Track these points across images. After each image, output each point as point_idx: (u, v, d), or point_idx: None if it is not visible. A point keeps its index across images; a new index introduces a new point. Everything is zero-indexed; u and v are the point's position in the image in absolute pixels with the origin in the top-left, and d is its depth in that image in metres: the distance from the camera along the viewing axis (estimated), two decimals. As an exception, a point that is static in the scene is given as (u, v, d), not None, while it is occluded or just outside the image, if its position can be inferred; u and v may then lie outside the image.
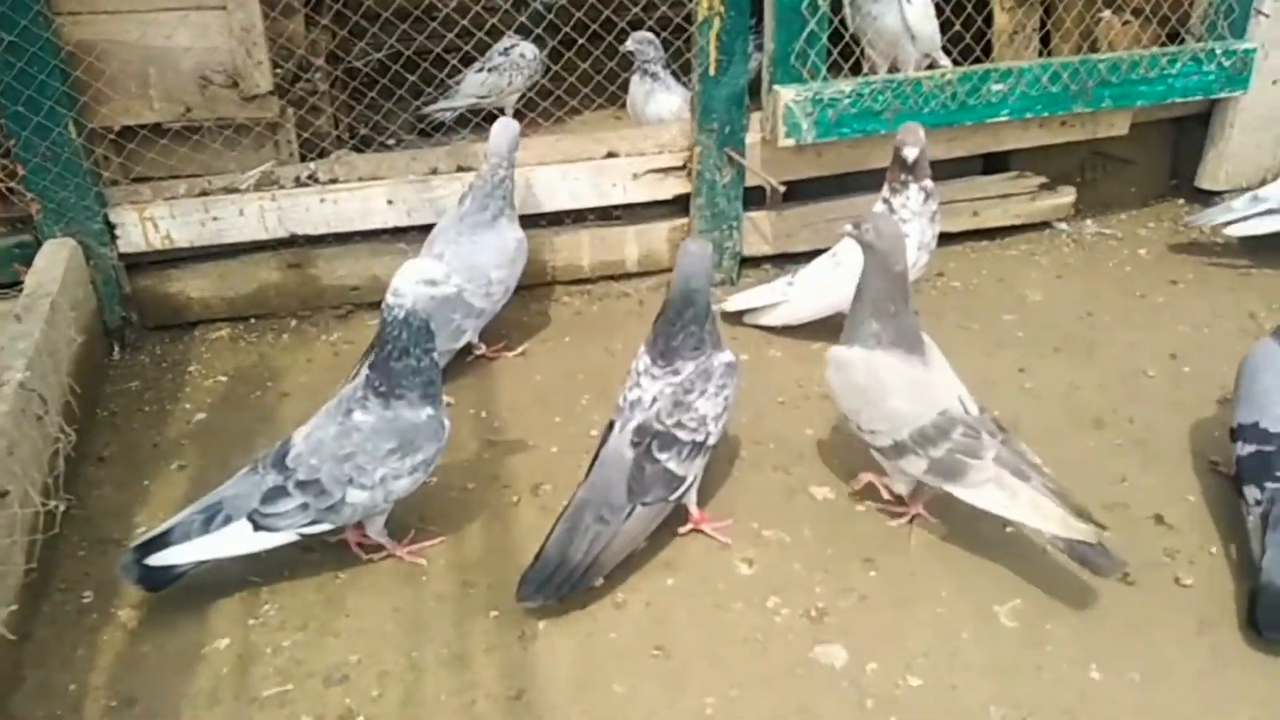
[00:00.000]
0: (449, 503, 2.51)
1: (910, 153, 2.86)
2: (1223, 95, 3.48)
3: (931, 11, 3.44)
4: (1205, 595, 2.20)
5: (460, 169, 3.20)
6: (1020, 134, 3.46)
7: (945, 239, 3.58)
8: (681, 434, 2.25)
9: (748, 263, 3.54)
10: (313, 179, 3.17)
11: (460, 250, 2.87)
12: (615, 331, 3.21)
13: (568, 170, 3.23)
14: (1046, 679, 2.01)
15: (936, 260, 3.59)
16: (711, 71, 3.12)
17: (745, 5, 3.06)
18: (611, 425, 2.33)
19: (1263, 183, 3.70)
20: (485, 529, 2.43)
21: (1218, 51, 3.35)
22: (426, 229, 3.24)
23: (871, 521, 2.42)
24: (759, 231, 3.49)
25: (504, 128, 2.92)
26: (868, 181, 3.56)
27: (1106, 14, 3.79)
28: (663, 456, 2.23)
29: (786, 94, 3.07)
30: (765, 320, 3.24)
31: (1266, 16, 3.41)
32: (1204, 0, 3.38)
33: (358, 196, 3.14)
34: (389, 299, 2.07)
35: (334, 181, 3.16)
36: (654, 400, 2.27)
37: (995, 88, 3.21)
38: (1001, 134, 3.45)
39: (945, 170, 3.61)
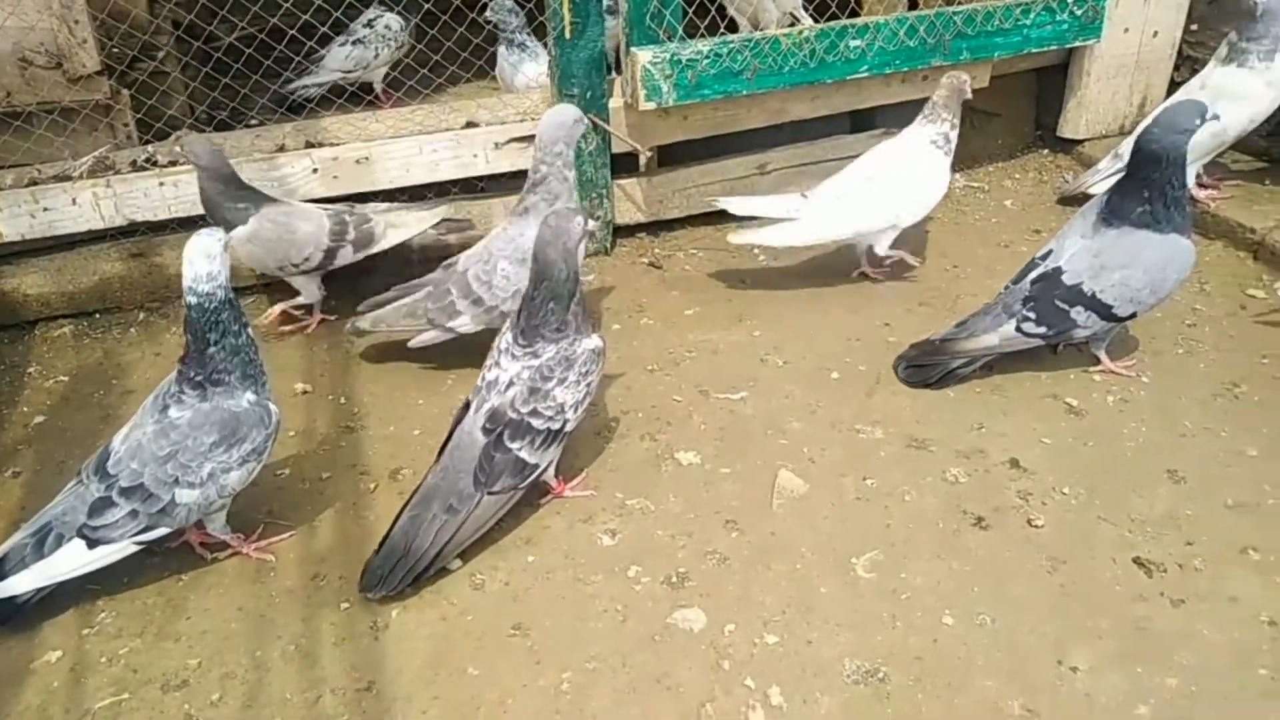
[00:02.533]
0: (301, 494, 2.41)
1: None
2: (1077, 44, 3.53)
3: (790, -33, 3.41)
4: (1056, 535, 2.24)
5: (310, 145, 3.07)
6: (883, 90, 3.46)
7: (818, 198, 3.61)
8: (536, 422, 2.18)
9: (622, 232, 3.49)
10: (151, 162, 3.01)
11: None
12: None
13: (425, 142, 3.12)
14: (900, 628, 2.02)
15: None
16: (567, 35, 3.04)
17: (596, -34, 2.99)
18: (468, 405, 2.26)
19: (1122, 130, 3.79)
20: (339, 519, 2.34)
21: (1070, 1, 3.39)
22: (277, 209, 3.12)
23: (736, 483, 2.41)
24: (631, 199, 3.44)
25: (550, 115, 2.66)
26: (739, 144, 3.54)
27: (969, -33, 3.82)
28: (514, 445, 2.17)
29: (644, 56, 3.01)
30: (766, 239, 3.04)
31: (1114, -36, 3.47)
32: (1053, -51, 3.41)
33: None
34: (186, 279, 1.95)
35: (174, 164, 3.00)
36: (511, 383, 2.20)
37: (853, 44, 3.20)
38: (865, 91, 3.45)
39: (812, 130, 3.61)
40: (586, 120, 2.78)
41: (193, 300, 1.95)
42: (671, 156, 3.53)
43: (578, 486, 2.38)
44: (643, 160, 3.43)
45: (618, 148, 3.28)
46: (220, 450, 2.00)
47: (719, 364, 2.84)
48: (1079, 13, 3.41)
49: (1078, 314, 2.60)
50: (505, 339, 2.26)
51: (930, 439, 2.52)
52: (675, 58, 3.02)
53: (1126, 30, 3.62)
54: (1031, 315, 2.61)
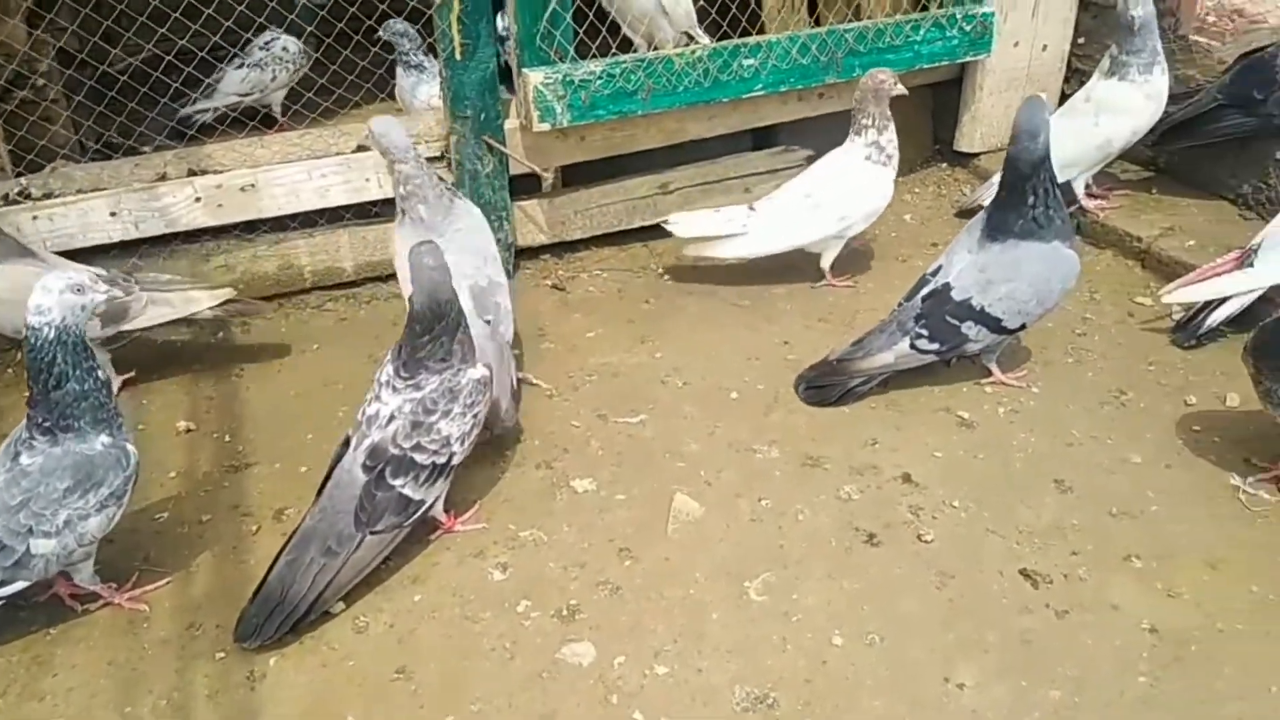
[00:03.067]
0: (179, 539, 2.32)
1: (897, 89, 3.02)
2: (968, 59, 3.60)
3: (684, -12, 3.42)
4: (945, 549, 2.25)
5: (192, 173, 2.97)
6: (780, 108, 3.49)
7: (723, 215, 3.61)
8: (420, 457, 2.12)
9: (525, 254, 3.45)
10: (25, 195, 2.88)
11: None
12: (383, 336, 3.05)
13: (313, 167, 3.05)
14: (790, 651, 2.01)
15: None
16: (458, 56, 3.00)
17: (485, -14, 2.96)
18: (348, 441, 2.20)
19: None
20: (219, 564, 2.26)
21: (958, 16, 3.45)
22: (159, 241, 3.02)
23: (631, 509, 2.38)
24: (533, 221, 3.40)
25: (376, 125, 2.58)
26: (642, 163, 3.54)
27: (866, -17, 3.88)
28: (397, 482, 2.10)
29: (535, 77, 2.98)
30: (716, 252, 3.15)
31: (1001, -20, 3.55)
32: (941, -33, 3.49)
33: (75, 210, 2.87)
34: (30, 318, 1.85)
35: (49, 196, 2.88)
36: (392, 417, 2.14)
37: (747, 62, 3.21)
38: (762, 109, 3.47)
39: (715, 148, 3.62)
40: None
41: (27, 336, 1.86)
42: (573, 177, 3.51)
43: (469, 520, 2.33)
44: (546, 181, 3.41)
45: (516, 169, 3.24)
46: (75, 496, 1.90)
47: (619, 387, 2.81)
48: (968, 29, 3.48)
49: (969, 329, 2.64)
50: (386, 371, 2.20)
51: (825, 456, 2.53)
52: (568, 79, 3.00)
53: (1016, 44, 3.71)
54: (924, 332, 2.64)
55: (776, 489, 2.43)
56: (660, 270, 3.41)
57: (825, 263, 3.22)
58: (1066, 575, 2.17)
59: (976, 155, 3.89)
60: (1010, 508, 2.35)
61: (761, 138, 3.74)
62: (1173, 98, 3.34)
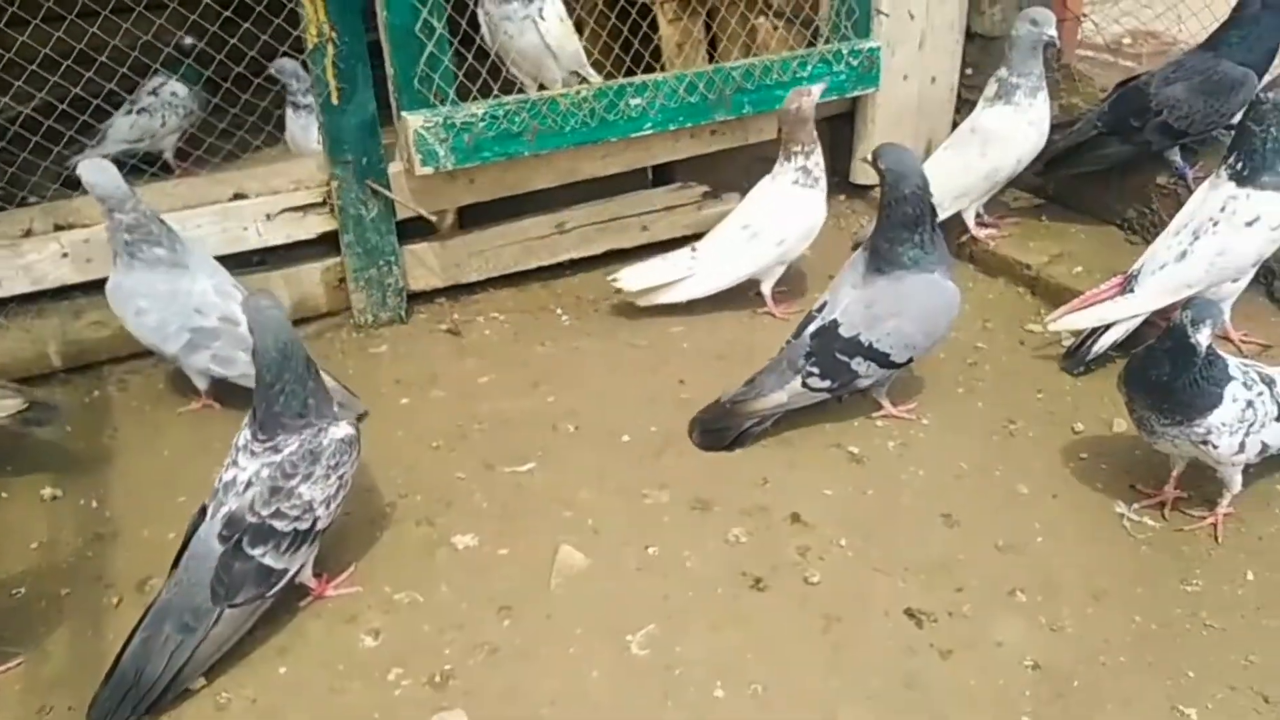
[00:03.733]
0: (35, 615, 2.19)
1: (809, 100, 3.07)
2: (857, 93, 3.63)
3: (570, 29, 3.39)
4: (831, 591, 2.22)
5: (59, 227, 2.86)
6: (673, 146, 3.47)
7: (622, 254, 3.59)
8: (280, 524, 2.03)
9: (420, 299, 3.37)
10: (-121, 253, 2.74)
11: None
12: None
13: (187, 217, 2.94)
14: (671, 706, 1.96)
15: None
16: (335, 100, 2.94)
17: (359, 28, 2.89)
18: (204, 510, 2.10)
19: (912, 172, 3.90)
20: (75, 640, 2.13)
21: (845, 52, 3.48)
22: (27, 299, 2.89)
23: (514, 565, 2.31)
24: (424, 265, 3.33)
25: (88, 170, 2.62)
26: (539, 203, 3.49)
27: (761, 20, 3.90)
28: (256, 552, 2.01)
29: (414, 120, 2.93)
30: (668, 298, 3.20)
31: (886, 15, 3.58)
32: (827, 2, 3.51)
33: (-71, 272, 2.74)
34: None
35: (-94, 253, 2.74)
36: (250, 483, 2.05)
37: (634, 102, 3.20)
38: (655, 147, 3.44)
39: (612, 186, 3.59)
40: None
41: None
42: (469, 218, 3.45)
43: (342, 583, 2.24)
44: (446, 223, 3.35)
45: (404, 213, 3.18)
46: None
47: (509, 435, 2.74)
48: (855, 63, 3.51)
49: (858, 364, 2.63)
50: (244, 435, 2.11)
51: (715, 499, 2.49)
52: (449, 121, 2.95)
53: (906, 78, 3.75)
54: (815, 370, 2.63)
55: (665, 535, 2.38)
56: (559, 311, 3.37)
57: (766, 289, 3.26)
58: (951, 613, 2.16)
59: (872, 187, 3.91)
60: (897, 545, 2.34)
61: (663, 176, 3.73)
62: (1057, 126, 3.41)
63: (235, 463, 2.08)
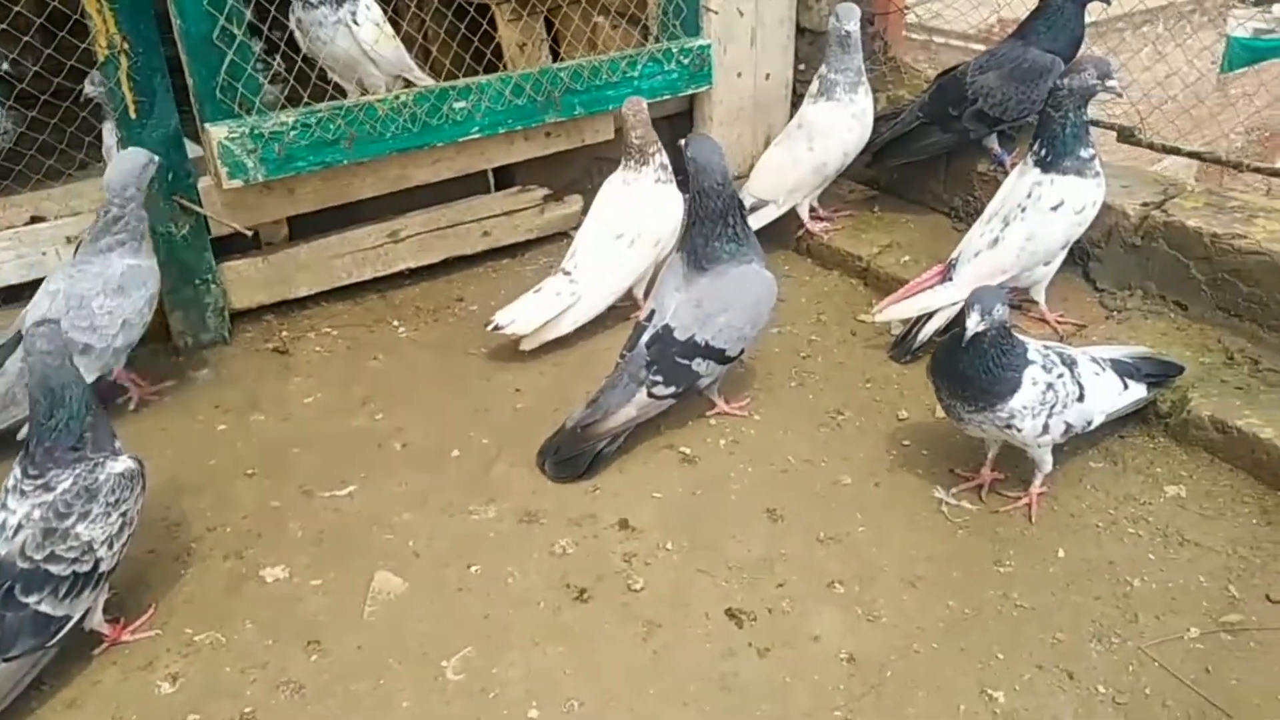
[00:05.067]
0: None
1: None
2: (690, 91, 3.63)
3: (389, 33, 3.28)
4: (654, 596, 2.19)
5: None
6: (507, 149, 3.41)
7: (464, 261, 3.51)
8: (56, 568, 1.90)
9: (244, 316, 3.22)
10: None
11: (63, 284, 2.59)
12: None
13: (-23, 244, 2.75)
14: (483, 733, 1.90)
15: (458, 284, 3.49)
16: (132, 114, 2.78)
17: (154, 38, 2.73)
18: (-22, 557, 1.94)
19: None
20: None
21: (675, 51, 3.48)
22: None
23: (326, 596, 2.21)
24: (248, 281, 3.17)
25: (119, 161, 2.61)
26: (371, 211, 3.38)
27: (600, 19, 3.86)
28: (30, 599, 1.87)
29: (218, 132, 2.79)
30: (556, 332, 3.02)
31: (716, 13, 3.58)
32: (654, 1, 3.50)
33: None
34: None
35: None
36: (20, 526, 1.90)
37: (458, 105, 3.12)
38: (489, 151, 3.38)
39: (453, 191, 3.51)
40: (157, 160, 2.66)
41: None
42: (296, 230, 3.31)
43: (140, 627, 2.10)
44: (280, 235, 3.21)
45: (219, 229, 3.03)
46: None
47: (331, 457, 2.63)
48: (686, 62, 3.51)
49: (699, 365, 2.61)
50: (14, 475, 1.96)
51: (544, 510, 2.44)
52: (256, 131, 2.82)
53: (740, 75, 3.77)
54: (658, 378, 2.58)
55: (489, 552, 2.32)
56: (395, 323, 3.26)
57: (639, 292, 3.17)
58: (771, 610, 2.16)
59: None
60: (721, 544, 2.33)
61: (505, 179, 3.65)
62: (883, 118, 3.47)
63: (4, 505, 1.93)
